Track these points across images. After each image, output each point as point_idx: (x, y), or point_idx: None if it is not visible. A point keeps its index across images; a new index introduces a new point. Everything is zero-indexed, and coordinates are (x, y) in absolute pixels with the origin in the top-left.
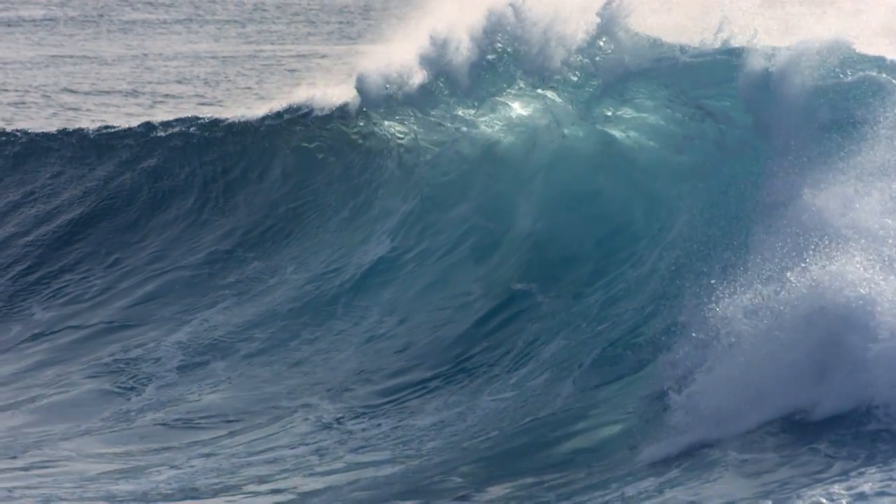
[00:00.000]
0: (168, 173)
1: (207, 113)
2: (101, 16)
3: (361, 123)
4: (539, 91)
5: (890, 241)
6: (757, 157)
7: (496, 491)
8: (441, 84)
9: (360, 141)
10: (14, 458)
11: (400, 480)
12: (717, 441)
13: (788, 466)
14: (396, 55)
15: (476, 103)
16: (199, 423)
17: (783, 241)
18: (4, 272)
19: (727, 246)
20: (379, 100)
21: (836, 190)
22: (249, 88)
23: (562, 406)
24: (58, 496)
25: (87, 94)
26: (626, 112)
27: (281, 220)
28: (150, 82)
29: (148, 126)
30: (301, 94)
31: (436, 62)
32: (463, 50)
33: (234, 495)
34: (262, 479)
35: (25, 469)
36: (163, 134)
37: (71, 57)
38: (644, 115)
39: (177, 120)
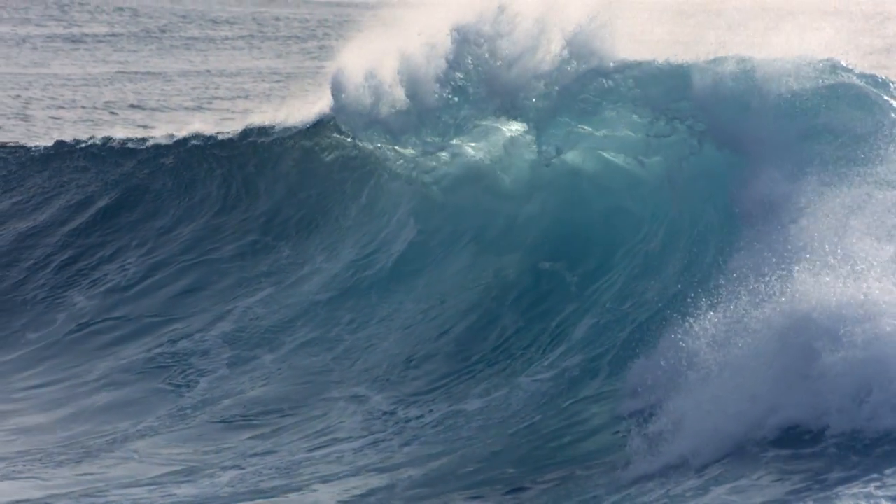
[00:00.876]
0: (188, 167)
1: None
2: (163, 31)
3: None
4: None
5: (863, 254)
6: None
7: (549, 479)
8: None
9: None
10: (79, 461)
11: (456, 474)
12: (760, 439)
13: (823, 464)
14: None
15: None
16: (254, 420)
17: (756, 255)
18: (46, 262)
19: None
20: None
21: (807, 200)
22: (313, 104)
23: (598, 388)
24: (123, 502)
25: (153, 109)
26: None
27: (302, 207)
28: (215, 97)
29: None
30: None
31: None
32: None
33: (299, 496)
34: (324, 479)
35: (90, 473)
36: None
37: (136, 73)
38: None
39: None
